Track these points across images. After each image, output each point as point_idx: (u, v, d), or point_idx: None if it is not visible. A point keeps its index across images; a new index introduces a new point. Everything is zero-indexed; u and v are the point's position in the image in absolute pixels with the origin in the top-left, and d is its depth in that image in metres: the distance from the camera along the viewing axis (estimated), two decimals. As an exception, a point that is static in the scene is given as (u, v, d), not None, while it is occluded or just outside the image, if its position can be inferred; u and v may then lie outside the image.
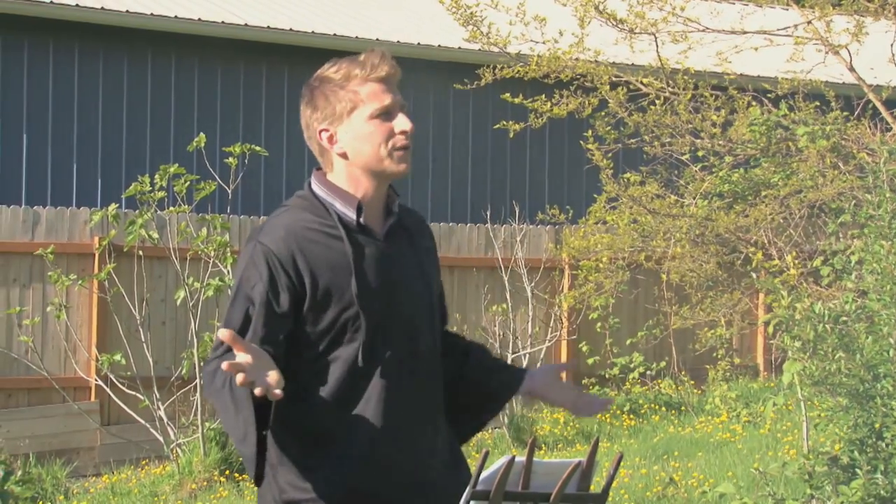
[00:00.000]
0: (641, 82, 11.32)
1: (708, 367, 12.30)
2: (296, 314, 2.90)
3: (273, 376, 2.68)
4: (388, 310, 2.94)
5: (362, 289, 2.90)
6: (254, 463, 2.83)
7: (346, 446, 2.91)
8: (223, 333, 2.65)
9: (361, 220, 2.96)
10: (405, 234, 3.04)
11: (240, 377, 2.63)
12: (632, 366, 11.99)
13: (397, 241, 3.01)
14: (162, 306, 10.86)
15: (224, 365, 2.65)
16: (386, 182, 3.00)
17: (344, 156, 2.97)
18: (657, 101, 11.08)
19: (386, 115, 2.93)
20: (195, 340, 9.62)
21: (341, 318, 2.90)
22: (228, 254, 9.67)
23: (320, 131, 2.98)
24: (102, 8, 12.68)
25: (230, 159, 9.82)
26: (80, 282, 9.88)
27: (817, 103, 10.91)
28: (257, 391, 2.66)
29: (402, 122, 2.93)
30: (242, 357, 2.65)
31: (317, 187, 3.03)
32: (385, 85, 2.93)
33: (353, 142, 2.95)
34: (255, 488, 2.89)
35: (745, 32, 11.51)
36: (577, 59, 11.19)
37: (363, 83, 2.93)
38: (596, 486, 2.73)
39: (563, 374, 3.14)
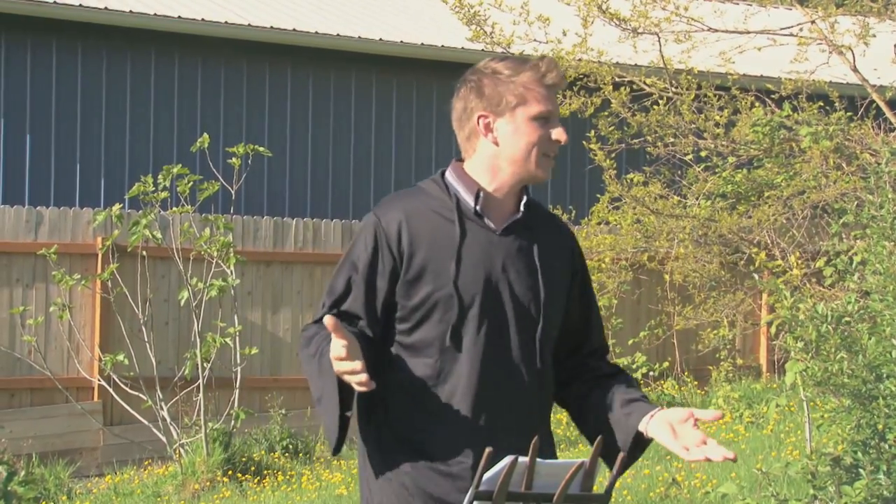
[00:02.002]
0: (645, 82, 11.32)
1: (711, 367, 12.30)
2: (392, 286, 2.98)
3: (363, 373, 2.77)
4: (484, 300, 2.97)
5: (461, 271, 2.96)
6: (334, 432, 2.92)
7: (424, 431, 2.96)
8: (328, 321, 2.73)
9: (478, 207, 3.02)
10: (529, 235, 3.06)
11: (340, 364, 2.75)
12: (634, 366, 11.98)
13: (518, 238, 3.04)
14: (165, 306, 10.86)
15: (332, 345, 2.76)
16: (522, 182, 3.06)
17: (496, 143, 3.02)
18: (660, 102, 11.08)
19: (545, 120, 3.02)
20: (198, 341, 9.62)
21: (433, 297, 2.96)
22: (231, 254, 9.68)
23: (479, 117, 3.03)
24: (106, 8, 12.68)
25: (233, 160, 9.82)
26: (83, 282, 9.88)
27: (821, 104, 10.90)
28: (349, 379, 2.76)
29: (560, 133, 3.03)
30: (341, 343, 2.74)
31: (449, 173, 3.10)
32: (550, 92, 3.03)
33: (510, 135, 3.02)
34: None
35: (748, 32, 11.50)
36: (580, 59, 11.19)
37: (533, 84, 3.02)
38: (599, 487, 2.73)
39: (690, 419, 2.86)
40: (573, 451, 10.01)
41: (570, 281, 3.12)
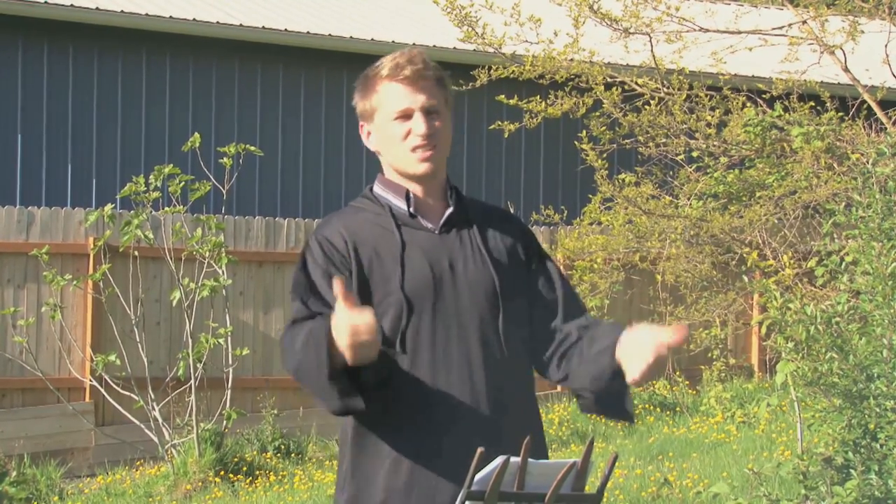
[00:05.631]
0: (636, 83, 11.34)
1: (703, 367, 12.31)
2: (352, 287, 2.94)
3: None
4: (436, 298, 2.95)
5: (407, 276, 2.94)
6: (334, 391, 2.79)
7: (390, 440, 2.91)
8: (336, 287, 2.68)
9: (412, 209, 3.02)
10: (469, 226, 3.06)
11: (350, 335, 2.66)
12: (626, 366, 11.98)
13: (458, 232, 3.04)
14: (157, 307, 10.85)
15: (345, 332, 2.65)
16: (414, 180, 3.04)
17: (378, 151, 3.07)
18: (652, 102, 11.09)
19: (405, 116, 3.00)
20: (190, 341, 9.61)
21: (383, 304, 2.92)
22: (223, 254, 9.67)
23: (361, 127, 3.10)
24: (97, 8, 12.67)
25: (225, 159, 9.82)
26: (74, 282, 9.87)
27: (812, 104, 10.92)
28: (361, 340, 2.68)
29: (417, 124, 2.99)
30: (361, 319, 2.66)
31: (376, 186, 3.11)
32: (409, 86, 3.00)
33: (380, 140, 3.05)
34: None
35: (739, 32, 11.53)
36: (571, 60, 11.21)
37: (388, 83, 3.02)
38: (591, 487, 2.73)
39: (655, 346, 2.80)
40: (565, 452, 10.02)
41: (525, 261, 3.09)
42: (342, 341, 2.68)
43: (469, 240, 3.04)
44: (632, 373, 2.82)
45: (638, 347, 2.82)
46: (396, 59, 3.02)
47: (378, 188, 3.09)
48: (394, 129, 3.00)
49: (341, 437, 3.03)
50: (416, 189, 3.03)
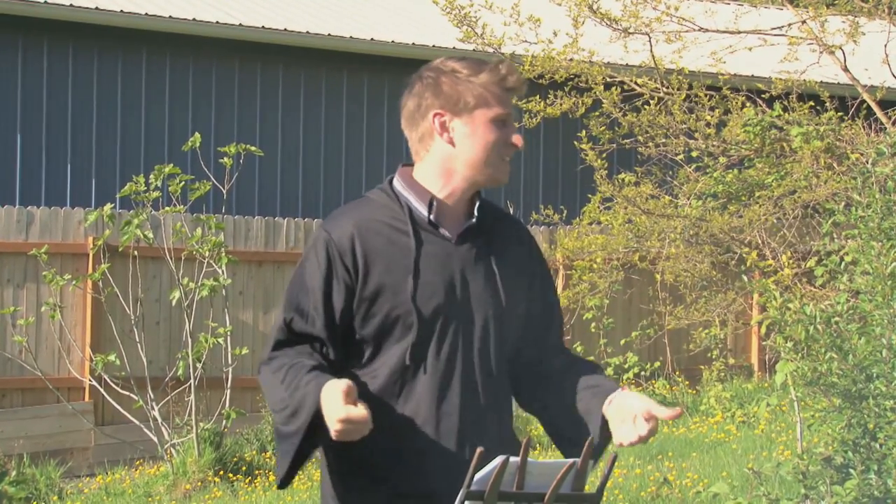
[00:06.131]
0: (636, 83, 11.34)
1: (702, 367, 12.32)
2: (349, 303, 2.88)
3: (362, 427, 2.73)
4: (446, 311, 2.88)
5: (419, 286, 2.86)
6: (285, 467, 2.89)
7: (387, 456, 2.88)
8: (341, 389, 2.69)
9: (432, 216, 2.92)
10: (485, 240, 2.97)
11: (339, 431, 2.70)
12: (626, 366, 12.00)
13: (473, 245, 2.96)
14: (156, 306, 10.85)
15: (339, 420, 2.68)
16: (478, 185, 2.96)
17: (451, 143, 2.92)
18: (651, 102, 11.10)
19: (503, 123, 2.93)
20: (189, 341, 9.61)
21: (393, 314, 2.86)
22: (223, 254, 9.67)
23: (435, 115, 2.92)
24: (97, 8, 12.67)
25: (225, 159, 9.82)
26: (74, 282, 9.87)
27: (811, 104, 10.93)
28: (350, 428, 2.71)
29: (518, 138, 2.96)
30: (358, 413, 2.68)
31: (397, 181, 2.98)
32: (509, 96, 2.95)
33: (467, 136, 2.92)
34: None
35: (739, 32, 11.54)
36: (571, 60, 11.22)
37: (493, 86, 2.93)
38: (590, 487, 2.73)
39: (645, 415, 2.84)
40: (557, 453, 10.02)
41: (528, 283, 3.03)
42: (331, 425, 2.71)
43: (484, 253, 2.95)
44: (622, 437, 2.84)
45: (629, 414, 2.84)
46: (502, 65, 2.95)
47: (399, 185, 2.98)
48: (492, 132, 2.91)
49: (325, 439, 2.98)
50: (454, 192, 2.94)
